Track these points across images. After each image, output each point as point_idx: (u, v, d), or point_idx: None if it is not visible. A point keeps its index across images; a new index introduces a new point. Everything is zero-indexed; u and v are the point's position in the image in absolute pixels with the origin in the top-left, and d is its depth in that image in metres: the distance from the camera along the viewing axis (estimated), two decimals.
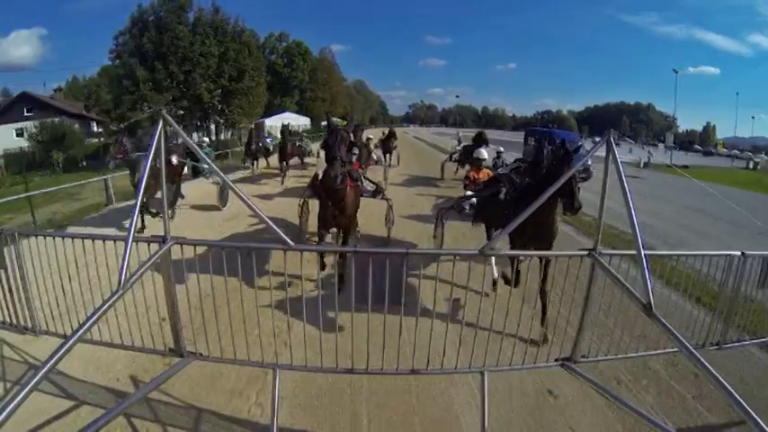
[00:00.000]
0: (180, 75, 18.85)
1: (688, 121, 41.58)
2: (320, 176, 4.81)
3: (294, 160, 14.42)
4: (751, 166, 26.19)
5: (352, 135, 15.31)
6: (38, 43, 31.26)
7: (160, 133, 2.37)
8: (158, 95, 18.59)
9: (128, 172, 7.37)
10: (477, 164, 7.36)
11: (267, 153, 14.47)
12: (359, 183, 5.36)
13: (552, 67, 50.09)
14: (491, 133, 16.95)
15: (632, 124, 41.85)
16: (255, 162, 14.19)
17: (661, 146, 31.94)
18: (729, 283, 3.15)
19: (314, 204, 5.25)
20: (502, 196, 4.63)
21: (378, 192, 6.20)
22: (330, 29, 52.76)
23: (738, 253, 3.01)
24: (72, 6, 42.23)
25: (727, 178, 17.16)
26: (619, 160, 2.41)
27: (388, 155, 14.88)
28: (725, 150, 33.93)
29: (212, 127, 22.89)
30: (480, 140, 11.82)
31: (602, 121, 39.05)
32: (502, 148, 11.36)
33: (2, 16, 30.34)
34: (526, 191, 4.20)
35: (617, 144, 2.46)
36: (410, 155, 19.54)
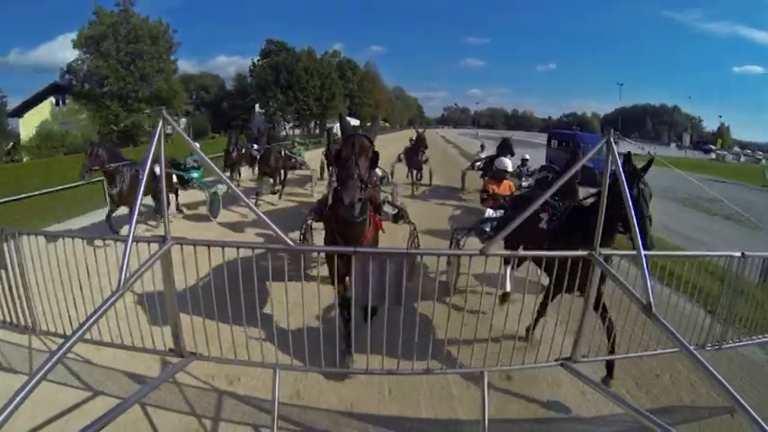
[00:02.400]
0: (300, 97, 29.12)
1: (732, 123, 39.07)
2: (329, 201, 3.66)
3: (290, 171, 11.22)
4: (740, 160, 28.13)
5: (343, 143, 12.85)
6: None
7: (160, 133, 2.37)
8: (288, 107, 28.57)
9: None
10: (500, 176, 6.20)
11: (252, 162, 11.00)
12: (381, 211, 4.11)
13: (591, 68, 47.59)
14: (519, 135, 16.20)
15: (656, 126, 41.23)
16: (238, 173, 11.49)
17: (673, 146, 32.01)
18: (729, 283, 3.16)
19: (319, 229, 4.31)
20: (544, 225, 3.74)
21: (399, 216, 4.86)
22: (370, 30, 51.57)
23: (738, 253, 3.02)
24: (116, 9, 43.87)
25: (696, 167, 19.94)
26: (618, 160, 2.42)
27: (414, 171, 11.49)
28: (715, 148, 33.63)
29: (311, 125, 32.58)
30: (504, 149, 10.02)
31: (626, 124, 38.57)
32: (528, 155, 10.06)
33: (51, 21, 30.98)
34: (574, 219, 3.32)
35: (616, 143, 2.46)
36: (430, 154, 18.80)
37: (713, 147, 34.77)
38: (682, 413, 3.05)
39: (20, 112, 22.97)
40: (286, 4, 42.38)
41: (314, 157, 13.18)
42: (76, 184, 8.07)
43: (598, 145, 2.56)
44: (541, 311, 3.42)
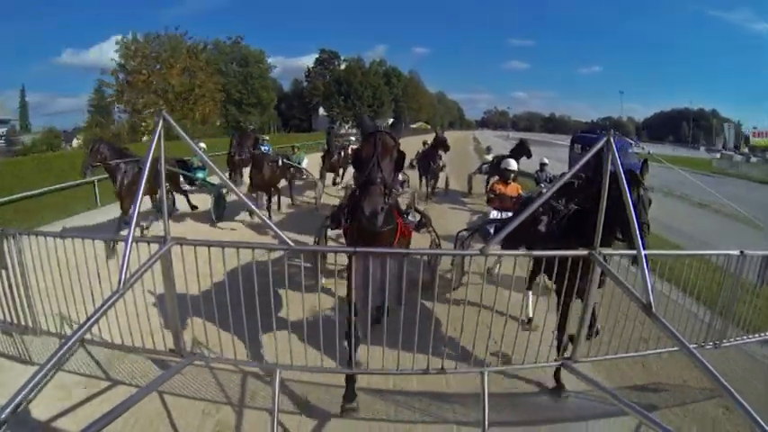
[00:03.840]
0: (357, 104, 33.82)
1: None
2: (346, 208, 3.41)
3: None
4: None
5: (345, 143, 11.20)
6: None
7: (160, 133, 2.37)
8: (347, 112, 33.00)
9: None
10: (505, 176, 6.19)
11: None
12: (407, 219, 3.68)
13: (636, 71, 45.66)
14: (554, 139, 15.80)
15: (692, 130, 40.80)
16: (239, 175, 10.62)
17: (702, 149, 31.98)
18: (728, 281, 3.16)
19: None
20: (543, 228, 3.71)
21: (422, 224, 4.45)
22: (413, 32, 52.27)
23: (737, 252, 3.03)
24: (166, 12, 47.96)
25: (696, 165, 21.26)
26: (618, 160, 2.42)
27: (428, 177, 10.26)
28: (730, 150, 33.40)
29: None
30: (521, 151, 9.71)
31: (663, 128, 38.56)
32: (546, 160, 9.52)
33: (103, 23, 34.60)
34: (575, 221, 3.20)
35: (615, 143, 2.47)
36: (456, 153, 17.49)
37: (735, 151, 33.87)
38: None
39: None
40: (331, 6, 45.04)
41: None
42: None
43: (598, 145, 2.56)
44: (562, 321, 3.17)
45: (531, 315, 3.96)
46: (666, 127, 38.38)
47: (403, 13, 48.21)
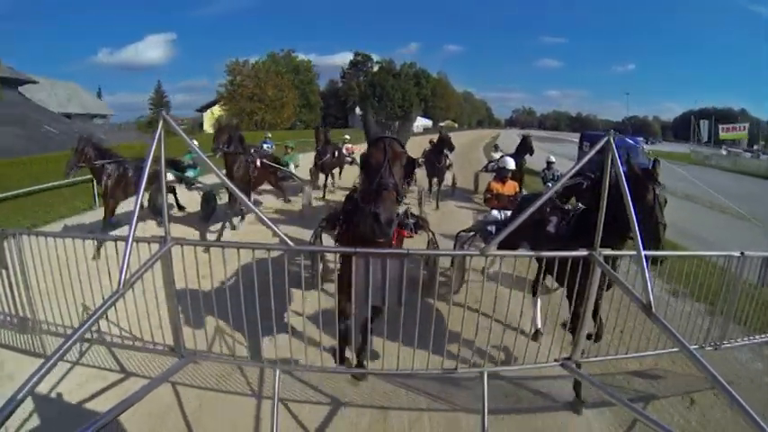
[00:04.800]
0: (389, 105, 37.49)
1: None
2: (345, 211, 3.29)
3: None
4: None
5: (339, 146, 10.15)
6: (167, 46, 38.04)
7: (160, 134, 2.37)
8: (382, 112, 35.62)
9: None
10: (502, 174, 5.98)
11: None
12: (407, 225, 3.66)
13: (671, 69, 44.96)
14: (567, 136, 15.82)
15: (715, 129, 40.23)
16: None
17: (723, 148, 32.37)
18: (729, 282, 3.16)
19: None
20: (552, 229, 3.53)
21: (419, 226, 4.36)
22: (446, 29, 52.56)
23: (737, 253, 3.02)
24: (198, 12, 50.52)
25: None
26: (619, 159, 2.42)
27: (434, 179, 9.92)
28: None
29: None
30: (524, 148, 9.52)
31: (688, 127, 38.27)
32: (553, 158, 9.22)
33: (138, 23, 37.62)
34: (584, 222, 3.05)
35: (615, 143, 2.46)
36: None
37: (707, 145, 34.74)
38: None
39: (204, 108, 34.39)
40: (364, 5, 47.47)
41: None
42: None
43: (598, 145, 2.55)
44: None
45: (539, 326, 3.86)
46: (689, 127, 37.98)
47: (436, 12, 48.62)
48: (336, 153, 10.70)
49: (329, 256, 4.62)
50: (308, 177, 9.91)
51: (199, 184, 8.04)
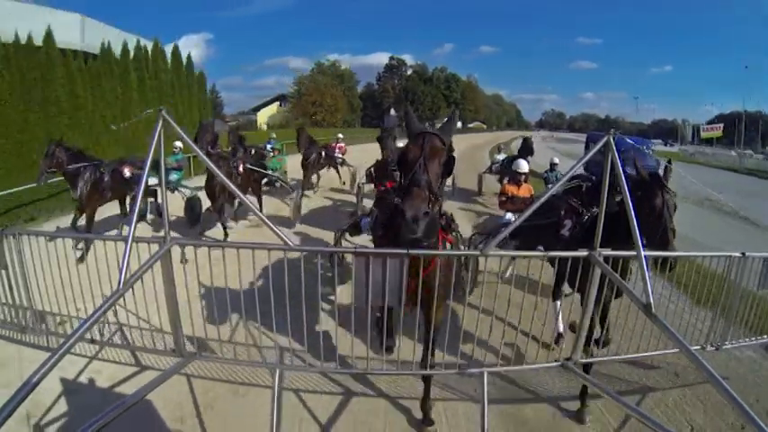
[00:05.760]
0: (420, 108, 39.08)
1: None
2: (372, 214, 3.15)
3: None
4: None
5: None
6: (204, 46, 38.44)
7: (160, 134, 2.37)
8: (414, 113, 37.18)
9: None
10: (517, 178, 6.00)
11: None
12: (452, 231, 3.29)
13: (710, 70, 42.96)
14: (579, 137, 15.81)
15: (748, 133, 40.07)
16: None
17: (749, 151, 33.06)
18: (729, 283, 3.16)
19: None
20: (566, 232, 3.49)
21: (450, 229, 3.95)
22: (480, 31, 53.65)
23: (738, 254, 3.01)
24: (235, 12, 50.65)
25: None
26: (619, 161, 2.41)
27: None
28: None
29: None
30: (525, 150, 9.62)
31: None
32: (557, 159, 9.26)
33: (175, 23, 39.56)
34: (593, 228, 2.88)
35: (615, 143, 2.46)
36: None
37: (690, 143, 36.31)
38: None
39: (257, 109, 37.33)
40: (399, 5, 48.06)
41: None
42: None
43: (598, 145, 2.55)
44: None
45: (561, 330, 3.78)
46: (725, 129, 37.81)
47: (470, 14, 48.82)
48: (323, 153, 10.49)
49: (348, 258, 4.57)
50: (299, 180, 9.81)
51: (182, 189, 7.53)
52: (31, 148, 9.31)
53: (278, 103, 38.37)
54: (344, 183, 11.28)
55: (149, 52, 15.15)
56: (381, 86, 42.09)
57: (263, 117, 37.12)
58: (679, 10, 39.66)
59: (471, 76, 46.03)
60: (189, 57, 17.19)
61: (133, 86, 13.94)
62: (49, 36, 10.88)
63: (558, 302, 3.88)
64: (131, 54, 14.13)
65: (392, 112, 38.35)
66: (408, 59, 42.32)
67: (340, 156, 11.39)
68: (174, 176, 7.48)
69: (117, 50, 13.62)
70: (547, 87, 59.70)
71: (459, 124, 41.88)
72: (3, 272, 3.07)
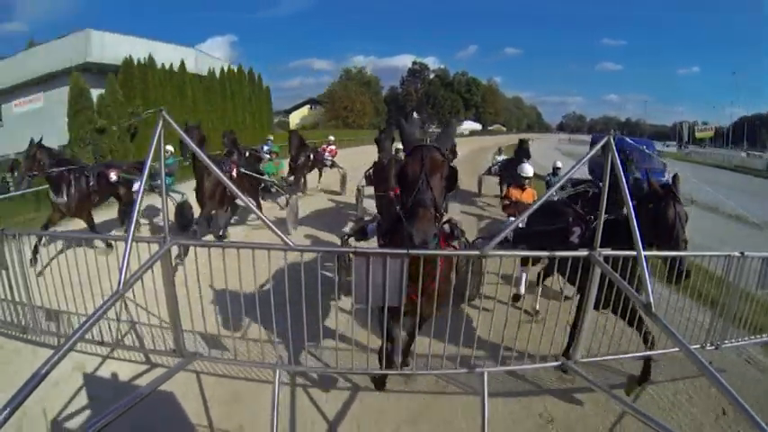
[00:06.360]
0: (440, 111, 42.62)
1: None
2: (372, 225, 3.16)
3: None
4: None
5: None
6: (229, 48, 40.89)
7: (160, 134, 2.37)
8: (434, 116, 40.28)
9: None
10: (521, 182, 5.93)
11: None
12: (457, 240, 3.27)
13: (739, 69, 40.19)
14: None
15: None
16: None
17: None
18: (729, 282, 3.16)
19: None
20: (575, 239, 3.45)
21: (455, 236, 3.84)
22: (505, 32, 52.45)
23: (738, 253, 3.02)
24: (262, 13, 54.09)
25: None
26: (619, 161, 2.42)
27: None
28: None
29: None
30: (521, 152, 9.53)
31: (742, 133, 37.65)
32: (560, 163, 9.04)
33: (201, 25, 41.59)
34: (609, 231, 2.82)
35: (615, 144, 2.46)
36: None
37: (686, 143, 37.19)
38: None
39: (289, 111, 40.48)
40: (423, 8, 49.36)
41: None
42: None
43: (597, 145, 2.55)
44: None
45: (522, 291, 4.17)
46: (749, 132, 37.71)
47: (495, 15, 48.88)
48: (311, 156, 10.40)
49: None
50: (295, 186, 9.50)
51: (172, 194, 7.26)
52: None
53: (309, 105, 42.51)
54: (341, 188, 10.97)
55: (235, 73, 22.69)
56: (405, 90, 44.36)
57: (295, 118, 40.72)
58: (706, 9, 38.95)
59: (492, 79, 47.79)
60: (260, 76, 24.40)
61: (228, 98, 21.56)
62: (182, 65, 18.98)
63: (525, 273, 4.35)
64: (226, 75, 21.80)
65: (414, 115, 39.89)
66: (433, 62, 44.37)
67: (329, 158, 11.36)
68: (166, 181, 7.11)
69: (216, 73, 21.29)
70: (572, 90, 59.41)
71: (478, 126, 44.09)
72: (3, 272, 3.07)
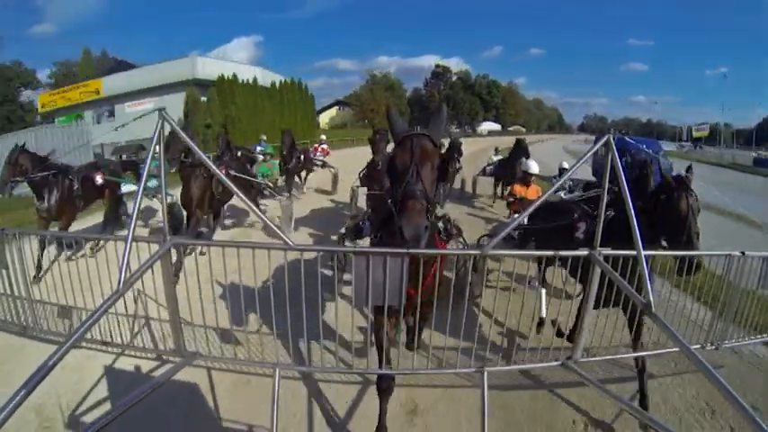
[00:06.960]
0: (460, 113, 45.52)
1: None
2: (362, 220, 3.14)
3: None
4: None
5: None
6: (254, 48, 46.23)
7: (160, 134, 2.37)
8: (454, 117, 43.62)
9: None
10: (525, 179, 5.97)
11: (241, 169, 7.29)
12: (453, 237, 3.18)
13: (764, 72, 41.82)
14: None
15: None
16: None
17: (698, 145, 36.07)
18: (729, 282, 3.16)
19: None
20: (581, 235, 3.41)
21: (451, 235, 3.66)
22: (530, 33, 54.08)
23: (738, 253, 3.02)
24: (287, 14, 57.98)
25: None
26: (618, 160, 2.41)
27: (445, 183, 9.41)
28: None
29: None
30: (519, 152, 9.19)
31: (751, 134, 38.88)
32: (566, 164, 8.83)
33: (228, 24, 45.88)
34: (614, 228, 2.80)
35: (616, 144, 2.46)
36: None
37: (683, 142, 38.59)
38: None
39: (318, 112, 40.60)
40: (449, 10, 50.75)
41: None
42: None
43: (597, 145, 2.55)
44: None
45: (543, 315, 3.83)
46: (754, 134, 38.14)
47: (520, 16, 49.68)
48: (302, 157, 10.24)
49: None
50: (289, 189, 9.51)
51: (160, 196, 7.02)
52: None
53: (337, 107, 45.50)
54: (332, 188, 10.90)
55: (288, 84, 30.89)
56: (428, 91, 46.52)
57: (324, 119, 43.27)
58: (735, 10, 39.03)
59: (512, 82, 49.40)
60: (306, 86, 32.14)
61: (285, 104, 29.66)
62: (255, 80, 28.70)
63: (543, 290, 4.01)
64: (282, 85, 30.56)
65: (444, 107, 42.03)
66: (458, 62, 46.41)
67: (321, 158, 11.25)
68: (153, 183, 6.71)
69: (276, 84, 30.08)
70: (597, 91, 59.68)
71: (498, 127, 45.68)
72: (3, 271, 3.07)
